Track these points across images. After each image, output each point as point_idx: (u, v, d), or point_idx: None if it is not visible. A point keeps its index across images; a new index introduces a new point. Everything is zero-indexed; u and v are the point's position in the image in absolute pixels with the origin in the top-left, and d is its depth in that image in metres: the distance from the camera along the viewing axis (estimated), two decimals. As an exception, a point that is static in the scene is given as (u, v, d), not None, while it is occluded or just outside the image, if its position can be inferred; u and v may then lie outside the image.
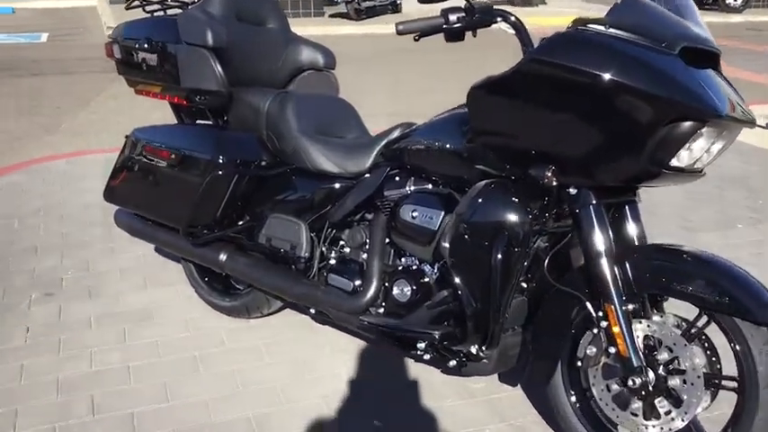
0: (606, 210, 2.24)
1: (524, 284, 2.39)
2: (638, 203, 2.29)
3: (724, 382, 2.08)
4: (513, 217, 2.13)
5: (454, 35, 2.22)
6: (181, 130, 2.91)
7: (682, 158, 2.00)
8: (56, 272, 3.59)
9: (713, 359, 2.09)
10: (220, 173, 2.66)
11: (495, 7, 2.21)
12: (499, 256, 2.13)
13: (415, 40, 2.22)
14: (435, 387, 2.68)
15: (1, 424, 2.45)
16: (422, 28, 2.21)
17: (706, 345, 2.10)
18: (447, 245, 2.23)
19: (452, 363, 2.36)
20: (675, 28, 2.01)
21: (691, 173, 2.08)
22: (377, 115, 4.57)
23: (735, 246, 3.92)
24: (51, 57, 9.90)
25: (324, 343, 2.96)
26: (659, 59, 1.93)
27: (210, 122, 3.03)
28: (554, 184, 2.08)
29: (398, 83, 8.37)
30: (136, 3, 3.15)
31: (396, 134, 2.58)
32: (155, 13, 3.13)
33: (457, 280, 2.22)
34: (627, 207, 2.25)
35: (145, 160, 2.88)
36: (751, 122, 2.09)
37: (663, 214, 4.35)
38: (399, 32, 2.22)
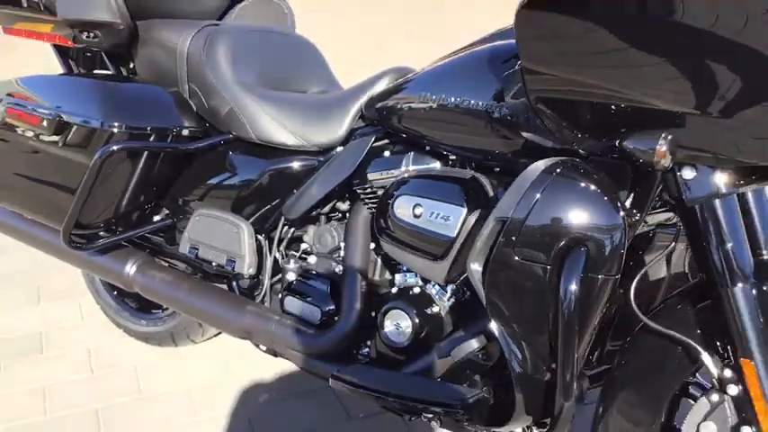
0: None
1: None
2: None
3: None
4: (597, 220, 1.27)
5: None
6: (62, 82, 2.01)
7: None
8: None
9: None
10: (116, 148, 1.76)
11: None
12: (572, 285, 1.26)
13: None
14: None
15: None
16: None
17: None
18: (479, 267, 1.36)
19: (484, 437, 1.51)
20: None
21: None
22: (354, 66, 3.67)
23: None
24: None
25: (281, 386, 2.10)
26: None
27: (110, 72, 2.11)
28: (669, 163, 1.22)
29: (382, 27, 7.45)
30: None
31: (382, 85, 1.71)
32: None
33: (495, 323, 1.36)
34: (752, 197, 1.40)
35: (9, 130, 1.96)
36: None
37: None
38: None
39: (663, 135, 1.21)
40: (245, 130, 1.83)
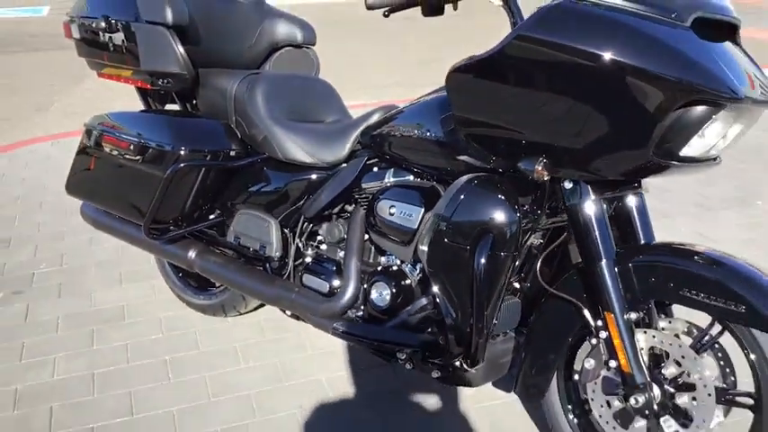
0: (608, 204, 1.99)
1: (517, 285, 2.17)
2: (644, 195, 2.03)
3: (738, 399, 1.83)
4: (499, 216, 1.87)
5: (432, 8, 1.94)
6: (142, 117, 2.66)
7: (694, 147, 1.73)
8: (27, 267, 3.39)
9: (727, 373, 1.85)
10: (182, 165, 2.42)
11: None
12: (482, 261, 1.88)
13: (385, 15, 1.95)
14: (422, 394, 2.45)
15: (-51, 443, 2.27)
16: (394, 1, 1.94)
17: (719, 356, 1.86)
18: (425, 248, 1.99)
19: (435, 374, 2.13)
20: None
21: (704, 161, 1.81)
22: (383, 86, 4.29)
23: (754, 224, 3.65)
24: (50, 31, 9.69)
25: (304, 345, 2.74)
26: (668, 33, 1.63)
27: (178, 108, 2.79)
28: (546, 178, 1.82)
29: (408, 52, 8.07)
30: None
31: (374, 119, 2.33)
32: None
33: (435, 287, 1.99)
34: (631, 200, 1.99)
35: (103, 151, 2.64)
36: None
37: (677, 190, 4.08)
38: (369, 7, 1.95)
39: (539, 159, 1.81)
40: (275, 151, 2.46)
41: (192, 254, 2.62)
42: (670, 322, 1.92)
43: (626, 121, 1.67)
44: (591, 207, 1.87)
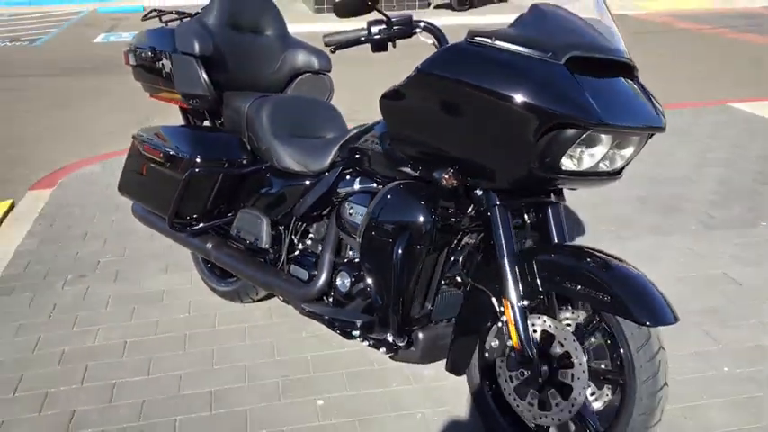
0: (527, 210, 2.36)
1: (459, 279, 2.54)
2: (561, 205, 2.37)
3: (609, 377, 2.15)
4: (415, 217, 2.28)
5: (378, 46, 2.38)
6: (175, 130, 3.20)
7: (581, 162, 2.08)
8: (95, 256, 4.01)
9: (601, 355, 2.17)
10: (196, 170, 2.94)
11: (414, 19, 2.35)
12: (400, 252, 2.29)
13: (332, 52, 2.39)
14: (387, 371, 2.85)
15: (4, 386, 2.84)
16: (347, 39, 2.38)
17: (593, 341, 2.18)
18: (360, 241, 2.42)
19: (382, 350, 2.53)
20: (567, 38, 2.07)
21: (600, 175, 2.16)
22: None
23: (750, 245, 3.83)
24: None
25: (300, 328, 3.19)
26: (541, 69, 2.00)
27: (207, 124, 3.32)
28: (453, 185, 2.21)
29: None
30: (153, 14, 3.48)
31: (350, 135, 2.77)
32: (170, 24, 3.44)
33: (368, 277, 2.40)
34: (549, 208, 2.34)
35: (143, 157, 3.19)
36: (656, 129, 2.13)
37: (687, 210, 4.29)
38: (326, 44, 2.40)
39: (448, 170, 2.20)
40: (274, 161, 2.94)
41: (209, 245, 3.13)
42: (573, 312, 2.26)
43: (507, 141, 2.06)
44: (497, 212, 2.24)
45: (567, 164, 2.07)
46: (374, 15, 2.33)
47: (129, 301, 3.49)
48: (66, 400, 2.75)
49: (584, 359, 2.14)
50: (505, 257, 2.22)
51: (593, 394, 2.24)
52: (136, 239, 4.19)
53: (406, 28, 2.32)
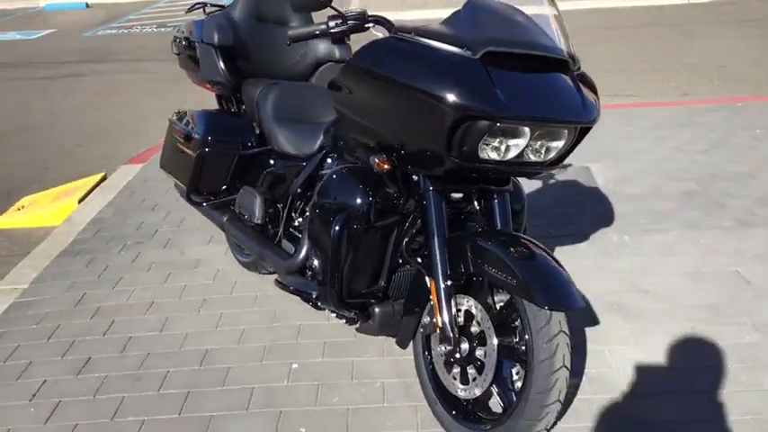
0: (477, 198, 2.49)
1: (420, 260, 2.70)
2: (507, 193, 2.48)
3: (516, 355, 2.26)
4: (353, 199, 2.47)
5: (336, 39, 2.58)
6: (199, 114, 3.51)
7: (507, 152, 2.20)
8: (155, 226, 4.44)
9: (510, 335, 2.28)
10: (206, 150, 3.25)
11: (369, 14, 2.52)
12: (337, 230, 2.48)
13: (288, 44, 2.60)
14: (364, 344, 3.06)
15: (42, 333, 3.28)
16: (307, 33, 2.55)
17: (505, 322, 2.30)
18: (308, 220, 2.63)
19: (342, 321, 2.75)
20: (490, 33, 2.18)
21: (534, 165, 2.26)
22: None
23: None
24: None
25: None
26: (453, 64, 2.14)
27: (233, 110, 3.62)
28: (385, 170, 2.38)
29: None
30: (197, 6, 3.82)
31: (333, 120, 2.97)
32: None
33: (313, 252, 2.62)
34: (495, 197, 2.46)
35: (173, 138, 3.55)
36: (580, 123, 2.21)
37: (731, 206, 4.18)
38: (288, 37, 2.60)
39: (382, 156, 2.37)
40: (273, 144, 3.20)
41: (224, 218, 3.44)
42: (501, 295, 2.38)
43: (424, 131, 2.22)
44: (430, 197, 2.40)
45: (491, 154, 2.19)
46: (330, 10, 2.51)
47: (169, 267, 3.88)
48: (86, 349, 3.16)
49: (495, 340, 2.27)
50: (435, 239, 2.37)
51: (518, 373, 2.35)
52: (194, 213, 4.54)
53: (360, 22, 2.48)
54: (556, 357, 2.16)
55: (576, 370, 2.77)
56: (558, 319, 2.18)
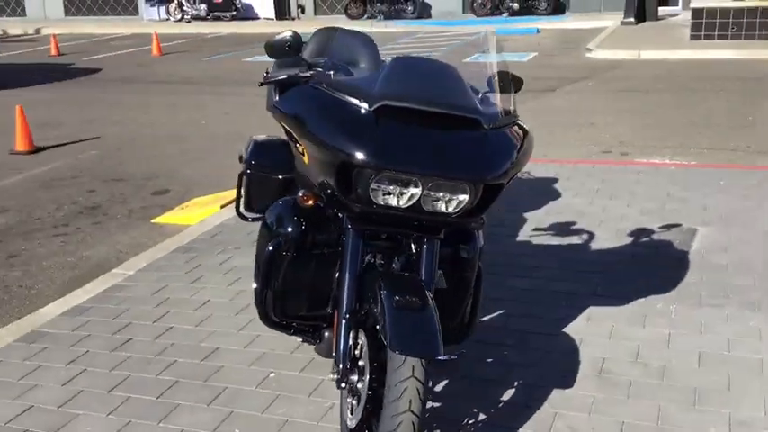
0: (408, 243, 2.63)
1: None
2: (436, 244, 2.57)
3: (379, 392, 2.37)
4: (285, 227, 2.71)
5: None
6: (263, 139, 3.91)
7: (400, 200, 2.35)
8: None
9: (377, 372, 2.40)
10: (247, 171, 3.64)
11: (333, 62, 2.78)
12: (269, 250, 2.72)
13: (259, 85, 2.89)
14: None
15: (115, 314, 3.90)
16: (276, 78, 2.71)
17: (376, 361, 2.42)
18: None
19: (299, 339, 3.01)
20: (394, 89, 2.35)
21: (440, 215, 2.39)
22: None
23: None
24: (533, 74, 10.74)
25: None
26: (348, 114, 2.35)
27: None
28: (309, 205, 2.61)
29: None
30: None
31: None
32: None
33: (255, 267, 2.89)
34: (424, 247, 2.58)
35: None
36: (471, 181, 2.31)
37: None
38: (264, 79, 2.87)
39: (304, 190, 2.61)
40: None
41: None
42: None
43: (326, 173, 2.43)
44: (348, 235, 2.59)
45: (391, 200, 2.35)
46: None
47: (243, 271, 4.35)
48: (131, 331, 3.71)
49: (367, 376, 2.40)
50: (346, 275, 2.56)
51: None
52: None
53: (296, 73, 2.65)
54: (401, 400, 2.24)
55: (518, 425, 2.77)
56: (412, 365, 2.25)
